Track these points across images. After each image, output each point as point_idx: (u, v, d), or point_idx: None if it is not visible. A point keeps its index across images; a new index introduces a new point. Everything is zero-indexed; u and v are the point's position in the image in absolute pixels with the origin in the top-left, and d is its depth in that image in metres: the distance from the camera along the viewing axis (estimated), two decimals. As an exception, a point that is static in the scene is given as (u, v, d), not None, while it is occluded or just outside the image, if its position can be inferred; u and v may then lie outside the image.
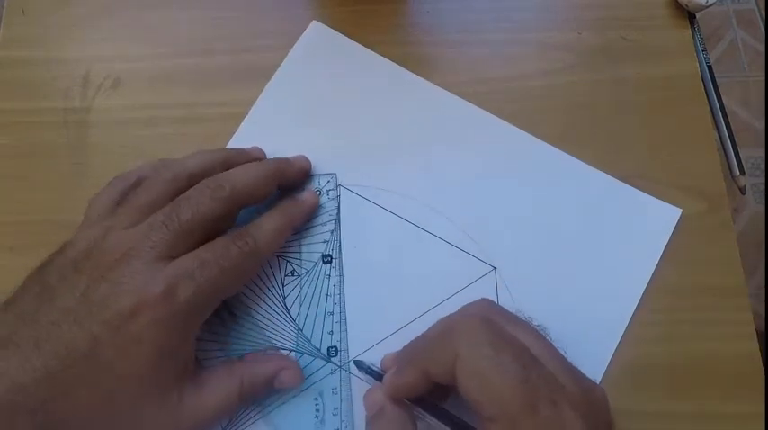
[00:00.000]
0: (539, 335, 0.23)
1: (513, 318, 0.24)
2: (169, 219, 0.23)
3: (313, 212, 0.29)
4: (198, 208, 0.23)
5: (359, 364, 0.26)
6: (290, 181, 0.29)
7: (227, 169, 0.26)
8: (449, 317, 0.24)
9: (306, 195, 0.28)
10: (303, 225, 0.29)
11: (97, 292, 0.21)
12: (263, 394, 0.25)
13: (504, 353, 0.20)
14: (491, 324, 0.22)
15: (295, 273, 0.28)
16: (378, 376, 0.25)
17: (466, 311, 0.24)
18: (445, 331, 0.22)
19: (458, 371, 0.20)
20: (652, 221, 0.30)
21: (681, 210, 0.30)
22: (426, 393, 0.23)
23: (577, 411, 0.19)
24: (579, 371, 0.22)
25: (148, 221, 0.23)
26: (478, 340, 0.21)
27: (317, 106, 0.31)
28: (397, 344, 0.25)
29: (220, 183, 0.24)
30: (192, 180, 0.25)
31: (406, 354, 0.24)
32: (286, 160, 0.29)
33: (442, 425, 0.22)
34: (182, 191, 0.24)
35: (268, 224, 0.26)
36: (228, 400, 0.23)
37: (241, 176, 0.25)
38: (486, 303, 0.24)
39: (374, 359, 0.26)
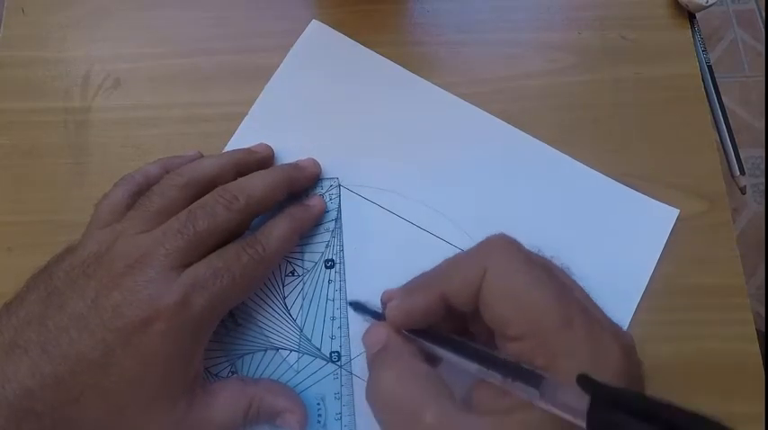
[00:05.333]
0: (564, 270, 0.22)
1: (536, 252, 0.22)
2: (185, 228, 0.22)
3: (321, 218, 0.29)
4: (214, 218, 0.23)
5: (355, 306, 0.24)
6: (301, 187, 0.29)
7: (238, 173, 0.26)
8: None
9: (314, 200, 0.28)
10: (310, 230, 0.29)
11: (109, 299, 0.21)
12: (265, 423, 0.25)
13: (539, 269, 0.19)
14: (518, 243, 0.20)
15: (295, 273, 0.28)
16: (379, 317, 0.22)
17: (492, 236, 0.22)
18: (470, 251, 0.21)
19: (485, 287, 0.18)
20: (650, 222, 0.30)
21: (678, 210, 0.30)
22: (436, 322, 0.20)
23: (614, 336, 0.18)
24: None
25: (162, 228, 0.23)
26: (511, 256, 0.19)
27: (316, 106, 0.31)
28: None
29: (235, 193, 0.24)
30: (206, 187, 0.25)
31: (417, 281, 0.22)
32: (296, 166, 0.28)
33: (454, 357, 0.19)
34: (195, 197, 0.24)
35: (277, 230, 0.25)
36: (234, 418, 0.23)
37: (255, 186, 0.25)
38: (507, 235, 0.22)
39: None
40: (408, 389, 0.18)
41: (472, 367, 0.18)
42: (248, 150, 0.29)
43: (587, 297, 0.21)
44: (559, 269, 0.22)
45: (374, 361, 0.21)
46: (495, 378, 0.18)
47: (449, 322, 0.21)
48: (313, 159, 0.29)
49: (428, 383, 0.19)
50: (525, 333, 0.18)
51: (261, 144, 0.29)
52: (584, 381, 0.15)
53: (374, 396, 0.20)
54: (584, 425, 0.15)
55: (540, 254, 0.22)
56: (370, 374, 0.21)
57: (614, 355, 0.18)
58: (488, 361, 0.18)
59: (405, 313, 0.21)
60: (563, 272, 0.22)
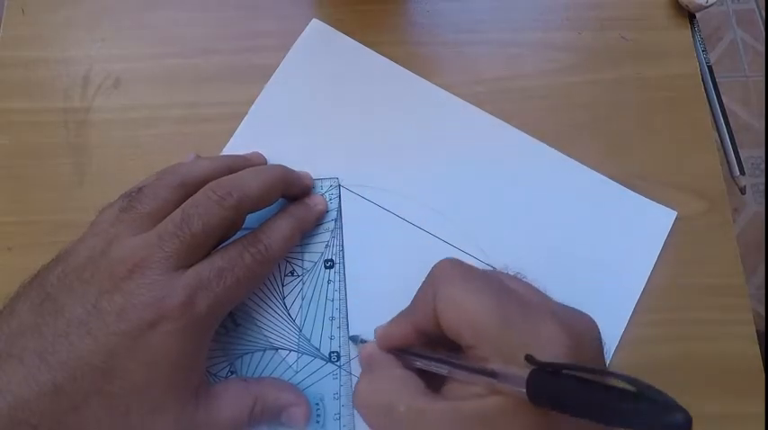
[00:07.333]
0: (514, 276, 0.23)
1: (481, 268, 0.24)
2: (180, 230, 0.22)
3: (322, 217, 0.29)
4: (208, 218, 0.23)
5: (354, 339, 0.27)
6: (294, 193, 0.28)
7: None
8: None
9: (316, 199, 0.28)
10: (311, 230, 0.29)
11: (111, 304, 0.21)
12: (270, 420, 0.25)
13: (475, 281, 0.21)
14: (460, 262, 0.22)
15: (295, 273, 0.28)
16: None
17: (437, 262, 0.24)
18: (423, 282, 0.23)
19: (437, 309, 0.21)
20: (648, 223, 0.30)
21: (676, 212, 0.30)
22: (419, 344, 0.23)
23: (555, 323, 0.19)
24: (561, 303, 0.22)
25: (158, 231, 0.22)
26: (451, 275, 0.21)
27: (316, 105, 0.31)
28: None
29: (229, 190, 0.23)
30: (198, 188, 0.24)
31: (400, 313, 0.25)
32: (293, 171, 0.28)
33: (430, 366, 0.22)
34: (187, 198, 0.24)
35: (279, 230, 0.25)
36: (240, 418, 0.23)
37: (249, 182, 0.24)
38: (452, 258, 0.24)
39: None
40: (383, 388, 0.21)
41: (443, 371, 0.21)
42: (243, 157, 0.29)
43: (535, 293, 0.22)
44: (504, 276, 0.23)
45: (362, 373, 0.24)
46: (461, 375, 0.20)
47: (435, 342, 0.23)
48: (309, 174, 0.29)
49: (401, 382, 0.21)
50: (476, 341, 0.19)
51: (255, 153, 0.29)
52: (530, 359, 0.17)
53: (356, 399, 0.22)
54: (524, 391, 0.17)
55: (486, 267, 0.25)
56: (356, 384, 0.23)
57: (557, 343, 0.19)
58: (457, 366, 0.20)
59: (384, 340, 0.24)
60: (509, 277, 0.23)
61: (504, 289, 0.21)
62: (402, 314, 0.24)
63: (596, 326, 0.21)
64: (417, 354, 0.23)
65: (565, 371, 0.16)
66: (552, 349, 0.18)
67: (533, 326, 0.19)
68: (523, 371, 0.17)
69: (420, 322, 0.22)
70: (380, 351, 0.24)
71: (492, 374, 0.18)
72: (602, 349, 0.21)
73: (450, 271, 0.22)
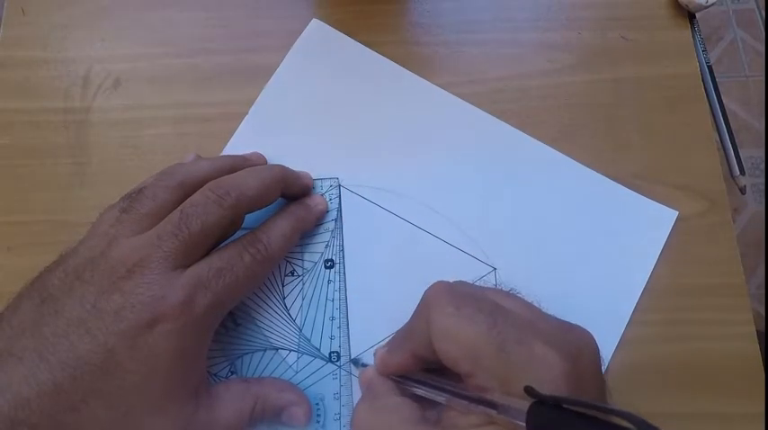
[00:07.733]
0: (507, 293, 0.23)
1: (477, 285, 0.24)
2: (179, 230, 0.22)
3: (322, 217, 0.29)
4: (206, 218, 0.23)
5: (355, 361, 0.27)
6: (294, 193, 0.28)
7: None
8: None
9: (316, 199, 0.28)
10: (311, 230, 0.29)
11: (110, 303, 0.21)
12: (271, 420, 0.25)
13: (467, 307, 0.21)
14: (452, 286, 0.22)
15: (295, 274, 0.28)
16: None
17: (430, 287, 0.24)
18: (417, 308, 0.23)
19: (432, 337, 0.21)
20: (649, 223, 0.30)
21: (677, 211, 0.30)
22: (418, 369, 0.23)
23: (550, 345, 0.19)
24: (557, 318, 0.22)
25: (157, 232, 0.22)
26: (443, 303, 0.21)
27: (316, 105, 0.31)
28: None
29: (227, 189, 0.23)
30: (198, 188, 0.24)
31: (396, 337, 0.25)
32: (293, 171, 0.28)
33: (429, 394, 0.22)
34: (186, 199, 0.24)
35: (279, 229, 0.25)
36: (241, 418, 0.23)
37: (248, 182, 0.24)
38: (444, 282, 0.24)
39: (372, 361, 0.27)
40: (381, 417, 0.22)
41: (442, 399, 0.21)
42: (243, 157, 0.29)
43: (530, 311, 0.22)
44: (503, 294, 0.23)
45: (361, 398, 0.24)
46: (461, 405, 0.20)
47: (435, 367, 0.23)
48: (308, 173, 0.29)
49: (398, 411, 0.21)
50: (473, 370, 0.20)
51: (255, 153, 0.29)
52: (530, 391, 0.17)
53: (354, 427, 0.22)
54: (523, 424, 0.17)
55: (477, 285, 0.24)
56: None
57: (554, 366, 0.19)
58: (455, 394, 0.21)
59: (383, 367, 0.24)
60: (502, 295, 0.23)
61: (499, 310, 0.21)
62: (400, 338, 0.24)
63: (593, 339, 0.21)
64: (417, 381, 0.23)
65: (565, 405, 0.16)
66: (549, 373, 0.19)
67: (529, 349, 0.19)
68: (523, 404, 0.17)
69: (417, 349, 0.22)
70: (380, 376, 0.24)
71: (491, 405, 0.19)
72: (601, 365, 0.21)
73: (442, 297, 0.22)
